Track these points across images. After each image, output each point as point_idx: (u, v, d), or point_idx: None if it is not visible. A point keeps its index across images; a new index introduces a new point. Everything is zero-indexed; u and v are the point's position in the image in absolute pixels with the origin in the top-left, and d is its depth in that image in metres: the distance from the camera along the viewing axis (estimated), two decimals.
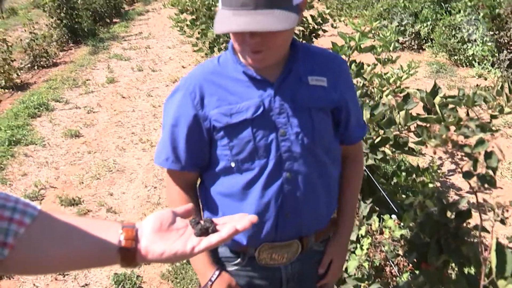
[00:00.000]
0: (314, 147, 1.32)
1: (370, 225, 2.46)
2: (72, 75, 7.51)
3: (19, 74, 7.36)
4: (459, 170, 3.86)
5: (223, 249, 1.47)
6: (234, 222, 0.86)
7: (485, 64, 6.39)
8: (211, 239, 0.83)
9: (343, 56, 3.03)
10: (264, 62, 1.22)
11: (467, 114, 2.06)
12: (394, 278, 2.42)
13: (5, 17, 13.60)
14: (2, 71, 6.80)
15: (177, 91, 1.35)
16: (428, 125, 2.05)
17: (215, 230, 0.85)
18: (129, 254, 0.82)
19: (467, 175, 1.52)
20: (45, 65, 8.11)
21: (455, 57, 6.87)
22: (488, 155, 1.47)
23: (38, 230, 0.81)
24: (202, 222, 0.86)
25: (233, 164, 1.31)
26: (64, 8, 9.39)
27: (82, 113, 5.99)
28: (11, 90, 6.94)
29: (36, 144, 5.12)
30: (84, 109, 6.11)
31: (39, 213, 0.83)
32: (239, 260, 1.45)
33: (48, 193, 4.15)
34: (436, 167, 3.04)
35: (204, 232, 0.84)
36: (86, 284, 3.06)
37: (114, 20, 12.57)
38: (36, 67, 7.97)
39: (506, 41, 6.07)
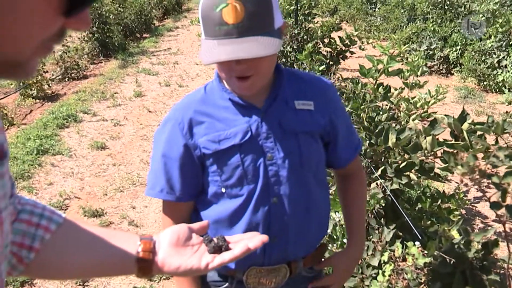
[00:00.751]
0: (302, 170, 1.33)
1: (393, 251, 2.42)
2: (101, 88, 7.65)
3: (50, 85, 7.53)
4: (485, 198, 3.78)
5: (212, 273, 1.46)
6: (246, 240, 0.89)
7: None
8: (224, 257, 0.86)
9: (370, 79, 3.03)
10: (251, 88, 1.24)
11: (496, 142, 2.02)
12: None
13: None
14: (34, 81, 6.96)
15: (166, 122, 1.36)
16: (455, 151, 2.01)
17: (227, 248, 0.89)
18: (146, 265, 0.86)
19: (495, 206, 1.49)
20: (76, 77, 8.28)
21: (485, 83, 6.77)
22: None
23: (63, 236, 0.86)
24: (215, 240, 0.89)
25: (223, 190, 1.32)
26: (97, 23, 9.63)
27: (108, 126, 6.09)
28: (42, 100, 7.09)
29: (63, 155, 5.21)
30: (111, 122, 6.20)
31: (64, 220, 0.88)
32: (227, 284, 1.44)
33: (72, 203, 4.20)
34: (462, 194, 2.98)
35: (217, 249, 0.88)
36: None
37: (144, 35, 12.80)
38: (67, 79, 8.15)
39: None
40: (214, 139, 1.29)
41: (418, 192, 3.25)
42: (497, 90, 6.65)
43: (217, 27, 1.13)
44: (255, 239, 0.89)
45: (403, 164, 2.62)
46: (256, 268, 1.38)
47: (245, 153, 1.29)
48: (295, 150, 1.31)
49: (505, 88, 6.47)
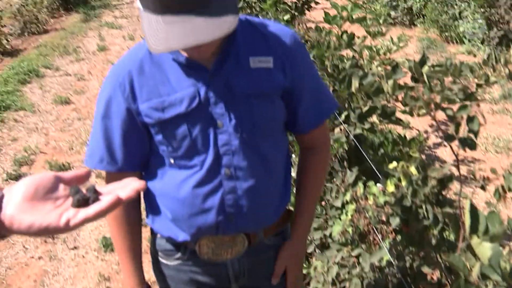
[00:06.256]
0: (255, 139, 1.19)
1: (356, 192, 2.52)
2: (62, 43, 7.43)
3: (9, 40, 7.26)
4: (444, 144, 3.92)
5: (162, 241, 1.34)
6: (118, 190, 0.74)
7: (475, 41, 6.42)
8: (89, 211, 0.71)
9: (335, 27, 3.05)
10: (203, 53, 1.07)
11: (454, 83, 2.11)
12: (376, 245, 2.49)
13: None
14: None
15: (107, 82, 1.20)
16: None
17: (96, 201, 0.73)
18: None
19: (449, 138, 1.57)
20: (36, 32, 8.00)
21: (446, 34, 6.88)
22: (470, 119, 1.50)
23: None
24: (84, 191, 0.74)
25: (172, 160, 1.20)
26: None
27: (72, 80, 5.97)
28: (1, 55, 6.86)
29: (26, 110, 5.11)
30: (75, 77, 6.08)
31: None
32: (179, 254, 1.33)
33: (38, 158, 4.17)
34: (422, 138, 3.10)
35: (83, 203, 0.72)
36: (75, 247, 3.12)
37: None
38: (26, 34, 7.86)
39: (496, 18, 6.09)
40: (157, 106, 1.14)
41: (381, 138, 3.36)
42: (458, 40, 6.77)
43: (159, 0, 0.93)
44: (128, 188, 0.74)
45: (366, 108, 2.69)
46: (209, 237, 1.26)
47: (192, 122, 1.14)
48: (247, 115, 1.16)
49: (465, 38, 6.60)
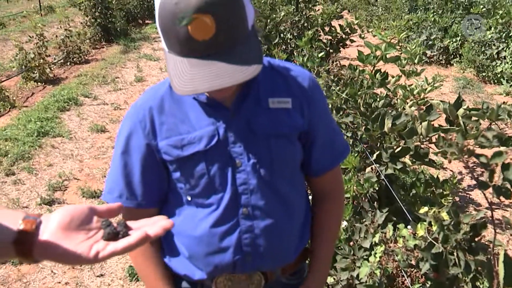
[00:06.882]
0: (273, 178, 1.18)
1: (385, 233, 2.47)
2: (102, 72, 7.68)
3: (52, 68, 7.57)
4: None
5: (185, 282, 1.33)
6: (146, 227, 0.77)
7: None
8: (118, 245, 0.74)
9: (368, 66, 3.06)
10: (224, 94, 1.08)
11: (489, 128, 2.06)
12: None
13: (43, 14, 14.01)
14: (37, 64, 7.00)
15: (127, 118, 1.21)
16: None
17: (126, 235, 0.76)
18: (24, 248, 0.73)
19: (482, 186, 1.53)
20: (77, 62, 8.33)
21: (483, 74, 6.80)
22: (506, 167, 1.46)
23: None
24: (114, 224, 0.77)
25: (189, 198, 1.20)
26: (99, 8, 9.64)
27: (109, 109, 6.13)
28: (43, 83, 7.14)
29: (63, 137, 5.26)
30: (111, 106, 6.25)
31: None
32: None
33: (71, 184, 4.25)
34: (455, 180, 3.03)
35: (112, 236, 0.75)
36: (102, 274, 3.13)
37: (147, 21, 12.80)
38: (68, 63, 8.20)
39: None
40: (176, 144, 1.15)
41: (413, 178, 3.30)
42: (496, 81, 6.68)
43: (184, 44, 0.94)
44: (157, 225, 0.77)
45: (398, 149, 2.66)
46: (226, 275, 1.25)
47: (210, 160, 1.14)
48: (265, 155, 1.16)
49: (503, 79, 6.50)
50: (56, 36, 8.53)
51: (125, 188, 1.20)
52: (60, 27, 8.63)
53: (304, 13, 6.22)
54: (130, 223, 0.79)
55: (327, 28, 5.96)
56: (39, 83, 7.09)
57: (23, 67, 7.04)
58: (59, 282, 3.07)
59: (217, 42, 0.93)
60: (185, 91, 0.93)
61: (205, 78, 0.92)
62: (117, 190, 1.20)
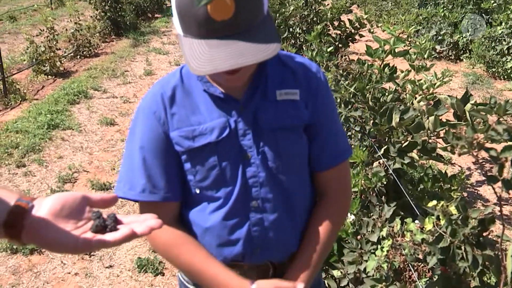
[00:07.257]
0: (279, 172, 1.18)
1: (392, 227, 2.48)
2: (111, 66, 7.72)
3: (62, 62, 7.61)
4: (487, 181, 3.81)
5: None
6: (135, 224, 0.77)
7: None
8: (105, 238, 0.75)
9: (377, 60, 3.06)
10: (241, 79, 1.09)
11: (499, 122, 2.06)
12: (412, 283, 2.43)
13: (53, 7, 14.08)
14: (47, 58, 7.05)
15: (140, 112, 1.20)
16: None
17: (114, 230, 0.76)
18: (12, 231, 0.73)
19: (491, 179, 1.53)
20: (87, 55, 8.37)
21: (493, 70, 6.75)
22: None
23: None
24: (104, 217, 0.77)
25: (198, 191, 1.19)
26: (109, 1, 9.68)
27: (118, 103, 6.17)
28: (54, 77, 7.19)
29: (73, 129, 5.31)
30: (121, 99, 6.29)
31: None
32: None
33: (81, 176, 4.30)
34: (463, 175, 3.02)
35: (100, 229, 0.75)
36: (111, 266, 3.17)
37: (156, 15, 12.82)
38: (78, 56, 8.25)
39: None
40: (188, 134, 1.15)
41: (421, 173, 3.30)
42: (506, 77, 6.63)
43: (203, 25, 0.94)
44: (145, 224, 0.76)
45: (406, 143, 2.66)
46: (235, 265, 1.23)
47: (222, 152, 1.14)
48: (273, 149, 1.16)
49: None
50: (66, 29, 8.60)
51: (148, 183, 1.17)
52: (70, 20, 8.67)
53: (313, 7, 6.21)
54: (120, 217, 0.79)
55: (336, 23, 5.95)
56: (49, 76, 7.15)
57: (34, 60, 7.09)
58: (69, 273, 3.11)
59: (236, 22, 0.93)
60: (204, 71, 0.93)
61: (226, 57, 0.93)
62: (139, 186, 1.17)
